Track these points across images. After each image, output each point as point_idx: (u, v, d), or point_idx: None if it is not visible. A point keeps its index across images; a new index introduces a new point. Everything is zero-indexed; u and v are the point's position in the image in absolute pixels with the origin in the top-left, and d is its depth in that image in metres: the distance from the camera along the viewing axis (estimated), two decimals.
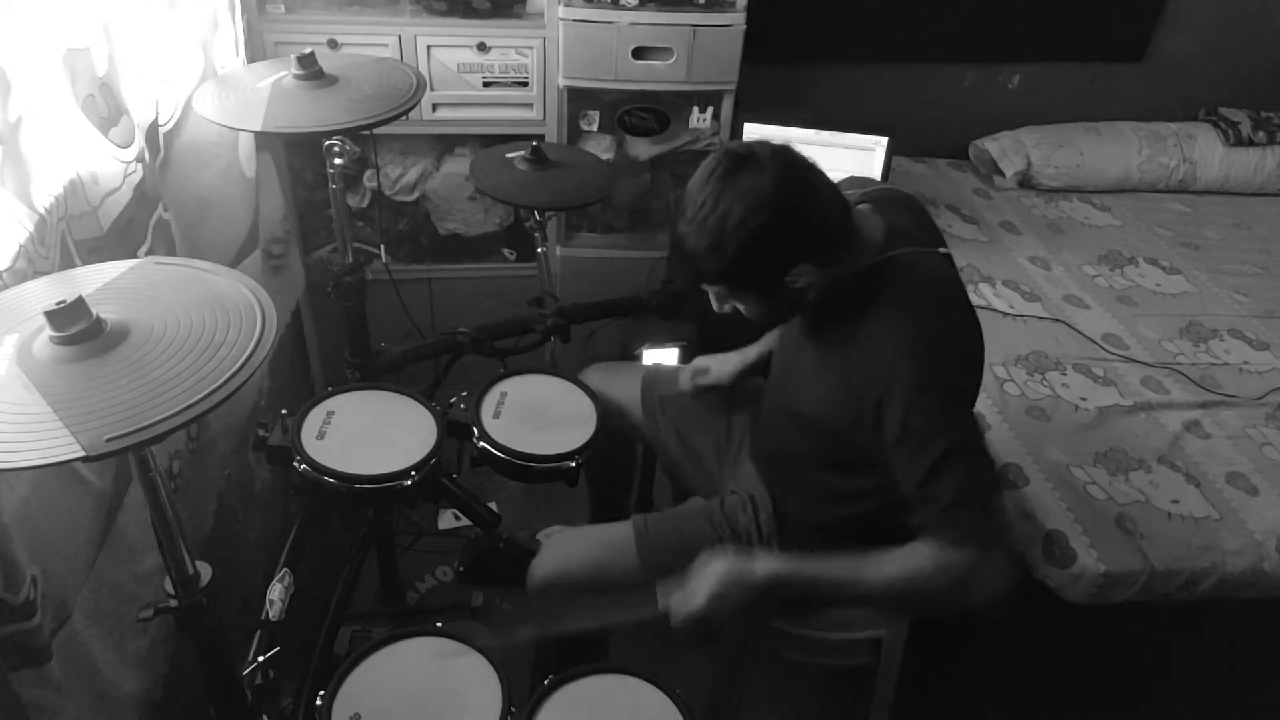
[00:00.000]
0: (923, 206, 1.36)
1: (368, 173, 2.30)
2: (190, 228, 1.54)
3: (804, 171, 1.11)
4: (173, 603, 1.07)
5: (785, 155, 1.10)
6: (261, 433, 1.47)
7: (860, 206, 1.24)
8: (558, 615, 1.45)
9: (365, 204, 2.36)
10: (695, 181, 1.11)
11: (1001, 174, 2.85)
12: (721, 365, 1.64)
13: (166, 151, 1.49)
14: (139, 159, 1.35)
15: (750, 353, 1.64)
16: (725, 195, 1.08)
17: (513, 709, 1.18)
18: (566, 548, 1.48)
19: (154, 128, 1.44)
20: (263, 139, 1.96)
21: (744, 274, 1.14)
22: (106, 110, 1.27)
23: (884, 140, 2.29)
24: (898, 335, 1.13)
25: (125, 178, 1.31)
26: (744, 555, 1.19)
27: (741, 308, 1.22)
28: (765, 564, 1.17)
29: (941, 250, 1.26)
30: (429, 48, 2.13)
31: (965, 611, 1.17)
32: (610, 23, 2.11)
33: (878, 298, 1.16)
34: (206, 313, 0.91)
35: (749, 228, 1.07)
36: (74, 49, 1.20)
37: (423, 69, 2.13)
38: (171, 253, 1.45)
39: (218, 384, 0.83)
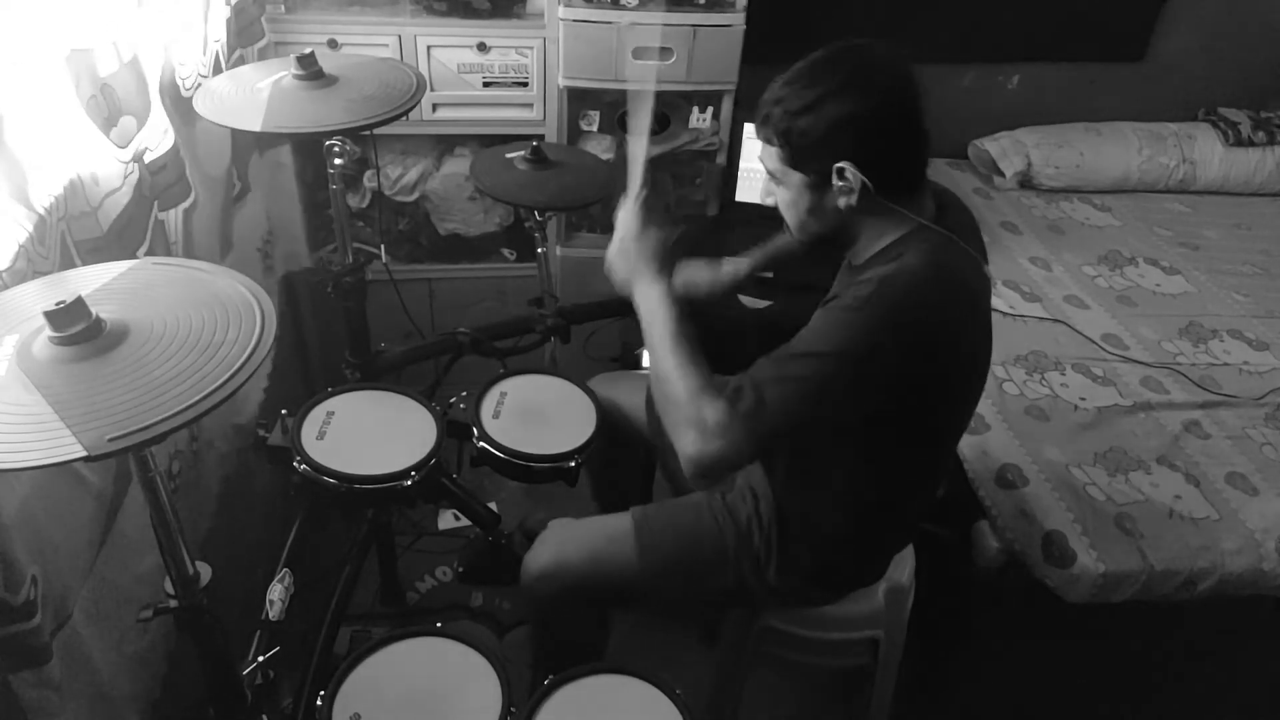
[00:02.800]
0: (975, 221, 1.34)
1: (368, 173, 2.30)
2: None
3: (914, 93, 1.15)
4: (172, 603, 1.07)
5: (905, 70, 1.15)
6: (261, 433, 1.47)
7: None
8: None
9: (365, 204, 2.36)
10: (812, 58, 1.16)
11: (1001, 174, 2.85)
12: (734, 265, 1.65)
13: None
14: (136, 159, 1.35)
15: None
16: (836, 74, 1.13)
17: (512, 709, 1.18)
18: (563, 539, 1.47)
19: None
20: (264, 141, 1.95)
21: (812, 147, 1.14)
22: (108, 110, 1.27)
23: None
24: (878, 275, 1.13)
25: (125, 178, 1.31)
26: (653, 254, 1.28)
27: (783, 199, 1.22)
28: (652, 278, 1.26)
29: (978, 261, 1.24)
30: (429, 48, 2.13)
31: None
32: (610, 23, 2.11)
33: (897, 256, 1.16)
34: (206, 313, 0.91)
35: (844, 106, 1.11)
36: (78, 49, 1.20)
37: (423, 69, 2.14)
38: (169, 254, 1.45)
39: (218, 384, 0.83)
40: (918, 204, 1.19)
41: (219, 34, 1.77)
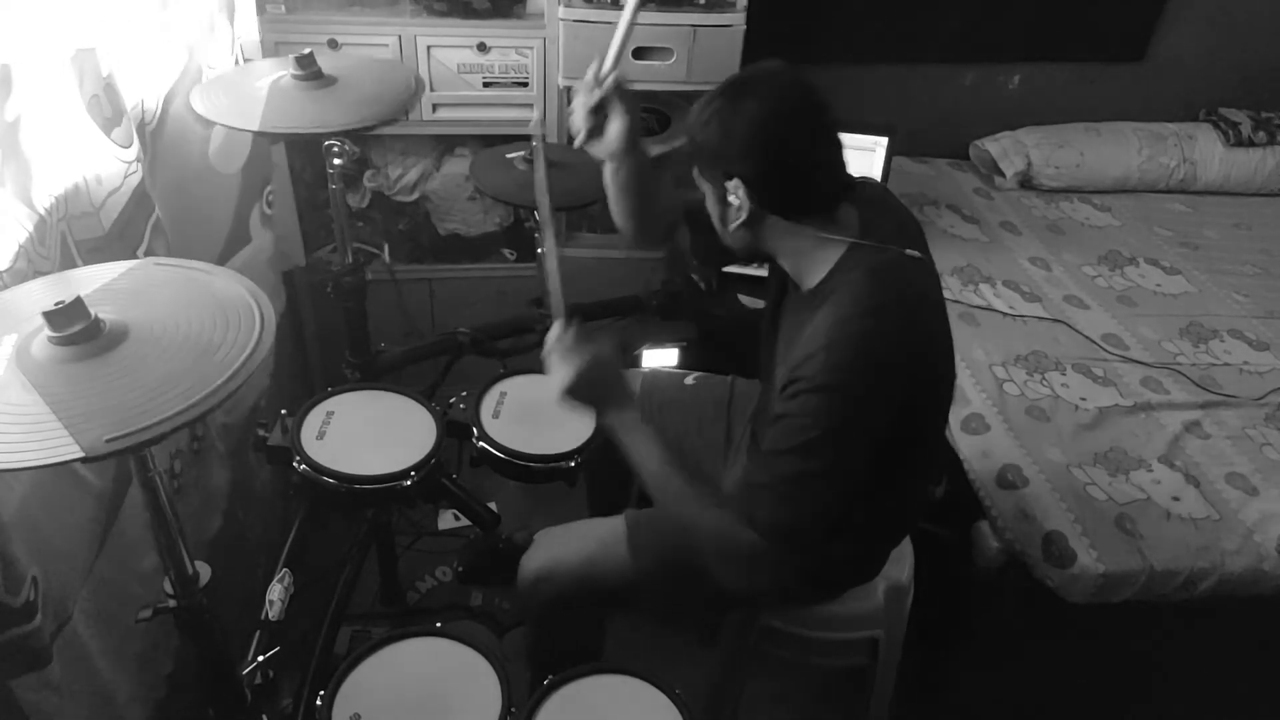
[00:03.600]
0: (907, 209, 1.34)
1: (368, 173, 2.30)
2: (175, 225, 1.54)
3: (804, 115, 1.14)
4: (172, 603, 1.07)
5: (797, 94, 1.14)
6: (261, 433, 1.47)
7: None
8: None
9: (365, 204, 2.36)
10: (727, 79, 1.18)
11: (1002, 174, 2.85)
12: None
13: (153, 150, 1.50)
14: (138, 159, 1.35)
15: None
16: (731, 92, 1.15)
17: (512, 709, 1.18)
18: (558, 542, 1.47)
19: (142, 126, 1.44)
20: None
21: (708, 158, 1.18)
22: (110, 110, 1.27)
23: (884, 140, 2.29)
24: (826, 327, 1.13)
25: (125, 178, 1.31)
26: (619, 377, 1.24)
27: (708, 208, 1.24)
28: (623, 405, 1.22)
29: (911, 252, 1.22)
30: (429, 48, 2.13)
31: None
32: (610, 23, 2.11)
33: (836, 289, 1.17)
34: (205, 313, 0.91)
35: (732, 122, 1.13)
36: (82, 49, 1.20)
37: (423, 69, 2.14)
38: (167, 253, 1.46)
39: (217, 384, 0.83)
40: (835, 220, 1.19)
41: (243, 34, 1.78)
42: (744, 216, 1.16)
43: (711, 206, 1.22)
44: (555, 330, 1.22)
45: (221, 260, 1.76)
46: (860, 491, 1.18)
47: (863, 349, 1.11)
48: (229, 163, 1.79)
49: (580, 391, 1.20)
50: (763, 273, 2.22)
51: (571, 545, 1.46)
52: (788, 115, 1.13)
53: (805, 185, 1.17)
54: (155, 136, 1.50)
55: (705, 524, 1.19)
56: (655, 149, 2.38)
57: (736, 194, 1.15)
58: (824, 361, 1.10)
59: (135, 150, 1.34)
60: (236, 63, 1.77)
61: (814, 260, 1.20)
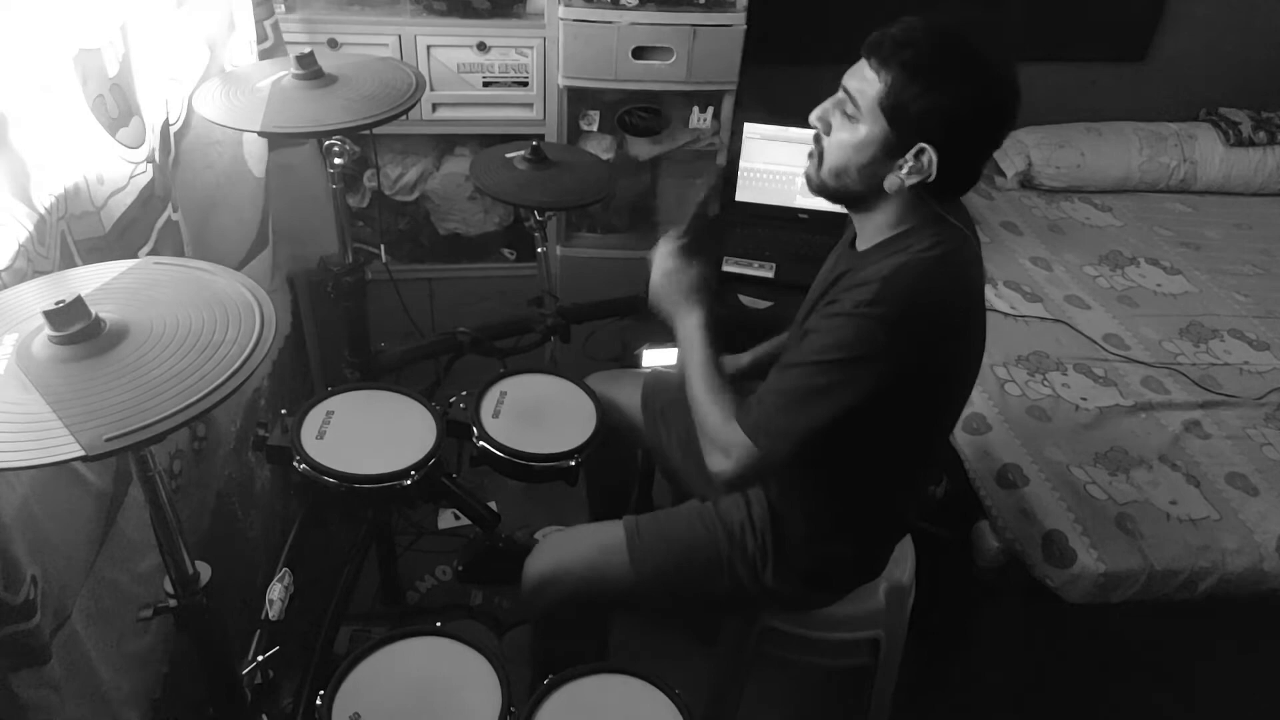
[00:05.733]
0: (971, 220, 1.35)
1: (368, 173, 2.30)
2: (197, 227, 1.54)
3: (1015, 112, 1.13)
4: (172, 602, 1.07)
5: (1018, 87, 1.14)
6: (261, 433, 1.47)
7: None
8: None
9: (365, 204, 2.36)
10: (955, 30, 1.17)
11: (1002, 174, 2.85)
12: (734, 361, 1.65)
13: (176, 151, 1.49)
14: (149, 159, 1.35)
15: (762, 348, 1.64)
16: (972, 63, 1.13)
17: (512, 709, 1.18)
18: (561, 547, 1.48)
19: (165, 127, 1.44)
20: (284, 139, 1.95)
21: (914, 113, 1.10)
22: (116, 111, 1.27)
23: None
24: (891, 265, 1.13)
25: (131, 179, 1.31)
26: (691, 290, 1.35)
27: (844, 137, 1.16)
28: (691, 310, 1.33)
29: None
30: (429, 48, 2.13)
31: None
32: (610, 23, 2.11)
33: (910, 243, 1.16)
34: (206, 312, 0.91)
35: (960, 99, 1.09)
36: (86, 49, 1.20)
37: (423, 69, 2.14)
38: (179, 254, 1.45)
39: (217, 384, 0.83)
40: (947, 205, 1.19)
41: (251, 34, 1.78)
42: (913, 181, 1.12)
43: (865, 141, 1.13)
44: (665, 238, 1.40)
45: (244, 264, 1.76)
46: (850, 433, 1.17)
47: (915, 289, 1.11)
48: (261, 165, 1.79)
49: (657, 296, 1.38)
50: (764, 273, 2.23)
51: (574, 551, 1.46)
52: (1005, 108, 1.12)
53: (975, 175, 1.17)
54: (180, 137, 1.50)
55: (714, 421, 1.23)
56: (654, 150, 2.39)
57: (922, 160, 1.10)
58: (875, 291, 1.10)
59: (145, 151, 1.34)
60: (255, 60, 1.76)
61: (893, 223, 1.19)
